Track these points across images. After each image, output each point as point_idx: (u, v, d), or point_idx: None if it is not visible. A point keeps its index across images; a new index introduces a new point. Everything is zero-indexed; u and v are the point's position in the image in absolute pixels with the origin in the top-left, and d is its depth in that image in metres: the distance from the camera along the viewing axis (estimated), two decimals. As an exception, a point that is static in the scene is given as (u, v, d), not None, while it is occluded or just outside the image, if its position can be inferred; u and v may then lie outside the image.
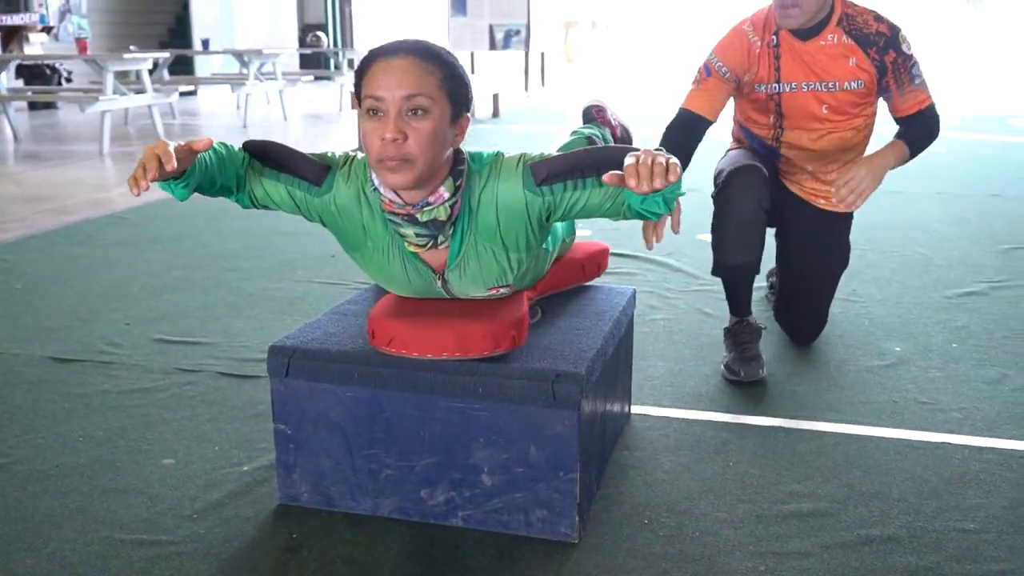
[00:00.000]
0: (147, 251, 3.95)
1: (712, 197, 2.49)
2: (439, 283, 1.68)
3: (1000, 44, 29.02)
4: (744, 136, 2.65)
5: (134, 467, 1.98)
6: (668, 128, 2.48)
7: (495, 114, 10.09)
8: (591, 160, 1.53)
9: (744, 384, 2.40)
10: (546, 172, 1.53)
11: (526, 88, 12.93)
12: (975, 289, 3.24)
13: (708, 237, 4.11)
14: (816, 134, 2.47)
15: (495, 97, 10.01)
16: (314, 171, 1.61)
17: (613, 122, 2.32)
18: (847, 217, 2.61)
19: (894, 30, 2.36)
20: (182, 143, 1.42)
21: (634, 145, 2.55)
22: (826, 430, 2.13)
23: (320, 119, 10.31)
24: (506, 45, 12.41)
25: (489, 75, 13.10)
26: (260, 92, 9.92)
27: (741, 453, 2.02)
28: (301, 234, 4.16)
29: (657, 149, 1.37)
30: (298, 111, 10.95)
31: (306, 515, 1.77)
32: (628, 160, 1.32)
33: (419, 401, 1.68)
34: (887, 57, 2.35)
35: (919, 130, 2.42)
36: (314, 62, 16.39)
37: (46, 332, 2.87)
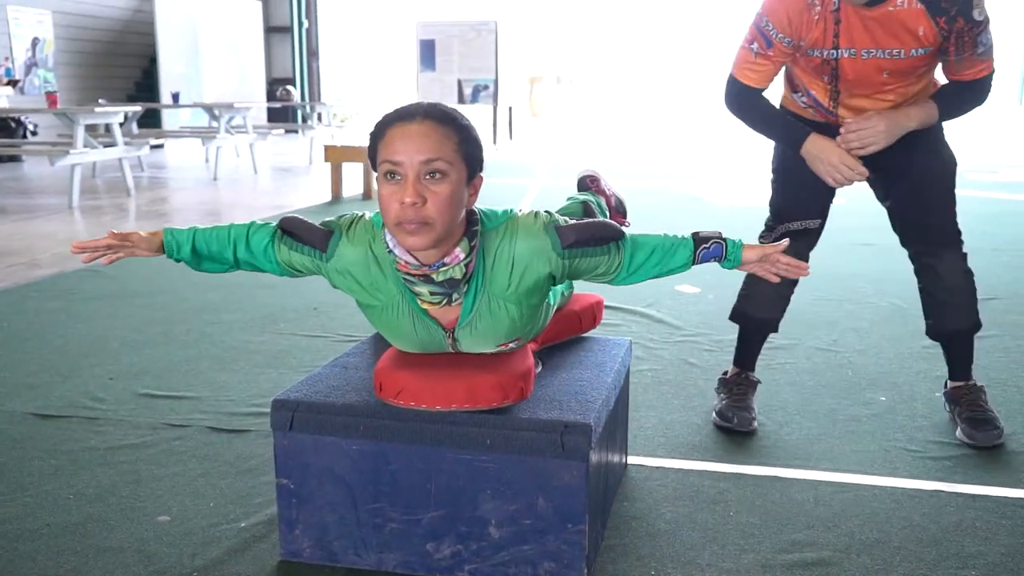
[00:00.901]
0: (125, 305, 3.91)
1: (761, 240, 2.42)
2: (448, 341, 1.69)
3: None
4: (795, 98, 2.42)
5: (128, 525, 1.94)
6: (738, 104, 2.33)
7: (465, 167, 10.17)
8: (606, 231, 1.63)
9: (736, 433, 2.42)
10: (574, 238, 1.60)
11: (495, 142, 13.08)
12: (951, 339, 3.31)
13: (687, 289, 4.23)
14: (875, 96, 2.28)
15: (465, 151, 10.10)
16: (320, 238, 1.65)
17: (607, 192, 2.36)
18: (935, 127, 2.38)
19: None
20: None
21: (626, 211, 2.60)
22: (821, 479, 2.15)
23: (290, 172, 10.32)
24: (475, 99, 12.60)
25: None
26: (229, 145, 9.92)
27: (740, 503, 2.03)
28: (281, 286, 4.14)
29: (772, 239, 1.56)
30: (267, 164, 10.96)
31: (309, 571, 1.74)
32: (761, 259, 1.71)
33: (426, 453, 1.68)
34: (955, 25, 2.11)
35: (964, 97, 2.26)
36: (281, 115, 16.47)
37: (27, 388, 2.82)
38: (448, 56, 12.29)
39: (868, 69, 2.22)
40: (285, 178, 9.69)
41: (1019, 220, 6.44)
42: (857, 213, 6.64)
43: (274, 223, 1.71)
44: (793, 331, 3.44)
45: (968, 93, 2.27)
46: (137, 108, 8.11)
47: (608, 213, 2.46)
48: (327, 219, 1.69)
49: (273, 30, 17.28)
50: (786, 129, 2.33)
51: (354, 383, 1.82)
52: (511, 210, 1.65)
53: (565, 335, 2.06)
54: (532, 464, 1.64)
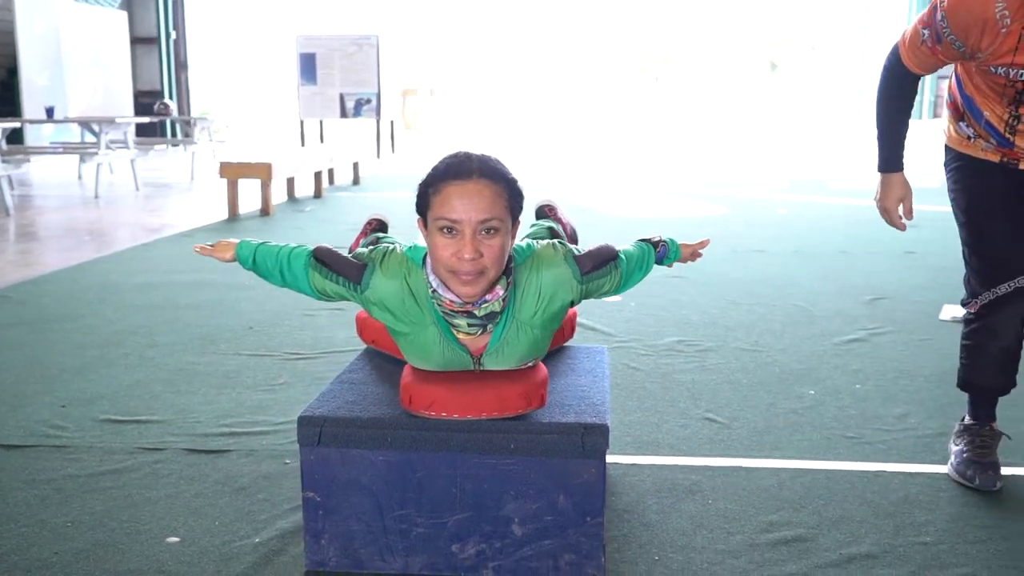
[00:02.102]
0: (47, 331, 3.80)
1: (967, 309, 2.27)
2: (475, 365, 1.82)
3: (799, 110, 31.88)
4: (965, 108, 2.20)
5: (139, 548, 1.97)
6: (887, 78, 2.19)
7: (355, 181, 10.19)
8: (608, 253, 1.83)
9: (693, 428, 2.63)
10: (590, 265, 1.78)
11: (378, 155, 13.09)
12: (857, 336, 3.65)
13: (608, 299, 4.44)
14: None
15: (355, 165, 10.11)
16: (354, 271, 1.76)
17: (564, 220, 2.53)
18: None
19: None
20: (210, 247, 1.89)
21: (578, 240, 2.78)
22: (780, 466, 2.38)
23: (172, 188, 10.04)
24: (357, 113, 12.59)
25: (341, 142, 13.18)
26: (105, 161, 9.58)
27: (715, 491, 2.23)
28: (208, 307, 4.12)
29: None
30: (143, 180, 10.61)
31: (337, 579, 1.83)
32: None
33: (452, 460, 1.79)
34: None
35: None
36: (149, 130, 15.94)
37: (-24, 419, 2.75)
38: (329, 70, 12.24)
39: None
40: (169, 195, 9.43)
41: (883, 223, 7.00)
42: (746, 222, 7.09)
43: (310, 247, 1.80)
44: (716, 334, 3.71)
45: None
46: (16, 124, 7.74)
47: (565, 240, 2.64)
48: (358, 251, 1.79)
49: (139, 41, 16.72)
50: (891, 145, 2.24)
51: (370, 398, 1.92)
52: (532, 243, 1.81)
53: (554, 345, 2.22)
54: (553, 465, 1.78)
